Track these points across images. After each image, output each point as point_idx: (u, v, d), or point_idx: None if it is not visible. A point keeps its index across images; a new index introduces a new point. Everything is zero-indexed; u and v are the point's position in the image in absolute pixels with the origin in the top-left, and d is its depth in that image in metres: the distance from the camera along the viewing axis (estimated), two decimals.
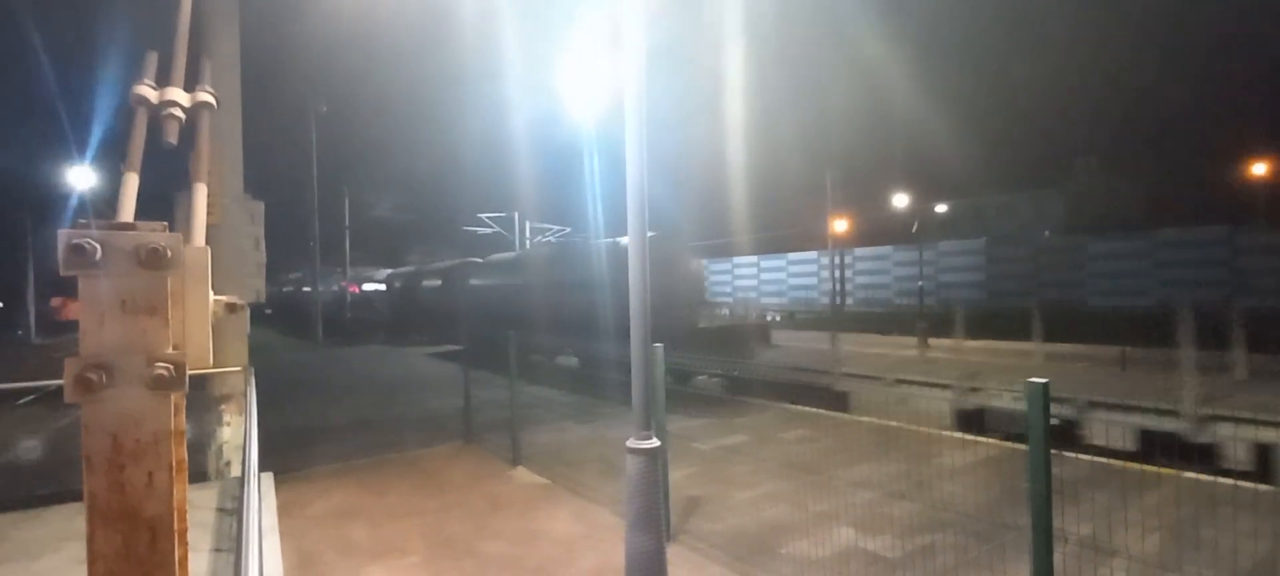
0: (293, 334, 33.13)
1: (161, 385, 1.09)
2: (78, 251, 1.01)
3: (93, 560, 1.08)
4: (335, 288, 36.32)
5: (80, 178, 28.86)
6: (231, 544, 4.77)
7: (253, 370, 5.97)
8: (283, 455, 7.81)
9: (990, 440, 7.64)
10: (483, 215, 34.85)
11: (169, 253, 1.10)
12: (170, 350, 1.13)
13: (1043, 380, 2.90)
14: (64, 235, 1.02)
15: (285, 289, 45.45)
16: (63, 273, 1.04)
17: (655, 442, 4.13)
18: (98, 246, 1.03)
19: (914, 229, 27.73)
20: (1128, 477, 5.77)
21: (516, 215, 34.66)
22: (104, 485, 1.08)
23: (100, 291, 1.06)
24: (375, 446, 8.80)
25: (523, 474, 7.25)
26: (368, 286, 36.89)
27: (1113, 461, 5.80)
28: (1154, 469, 5.97)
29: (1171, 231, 25.44)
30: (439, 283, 25.07)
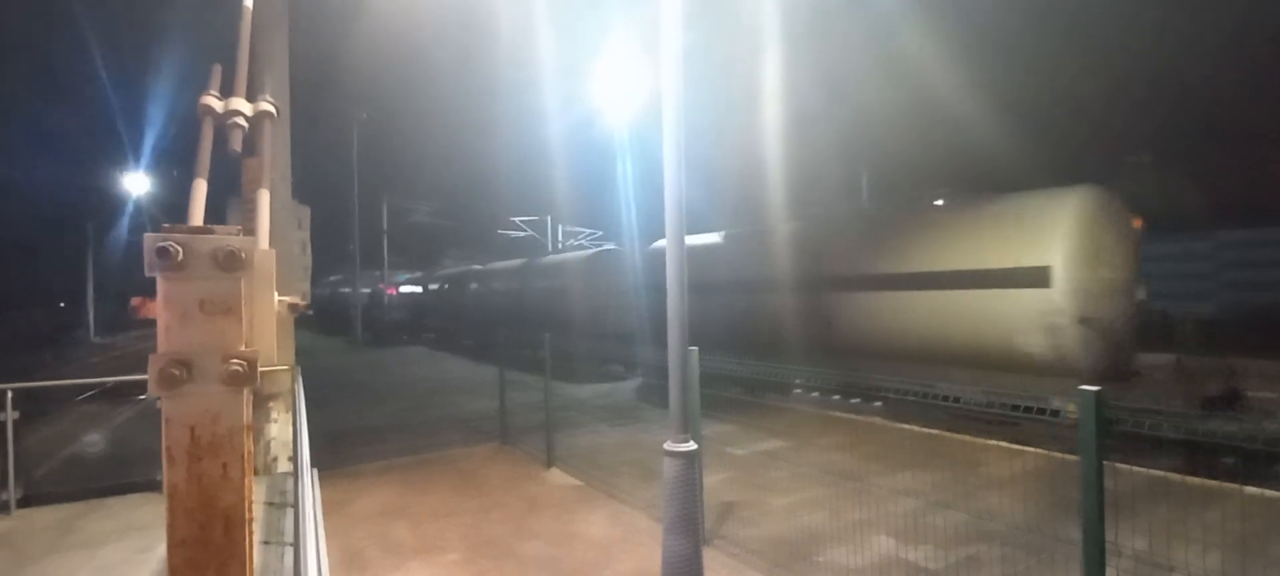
0: (334, 334, 34.07)
1: (236, 381, 1.14)
2: (163, 254, 1.07)
3: (172, 547, 1.14)
4: (370, 289, 37.19)
5: (136, 185, 30.30)
6: (279, 536, 4.94)
7: (299, 369, 6.17)
8: (324, 453, 8.04)
9: (1037, 450, 7.40)
10: (516, 219, 35.34)
11: (243, 255, 1.15)
12: (243, 348, 1.18)
13: (1094, 387, 2.81)
14: (150, 239, 1.08)
15: (339, 291, 46.39)
16: (148, 274, 1.10)
17: (692, 446, 4.13)
18: (181, 249, 1.09)
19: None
20: (1187, 492, 5.52)
21: (549, 219, 35.07)
22: (183, 476, 1.13)
23: (181, 292, 1.12)
24: (414, 447, 8.99)
25: (557, 475, 7.31)
26: (404, 288, 37.74)
27: (1170, 475, 5.56)
28: (1215, 482, 5.69)
29: (1236, 231, 24.21)
30: (560, 283, 18.17)
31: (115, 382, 11.01)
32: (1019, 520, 5.26)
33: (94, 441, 9.26)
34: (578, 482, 7.04)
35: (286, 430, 6.83)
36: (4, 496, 5.62)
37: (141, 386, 10.63)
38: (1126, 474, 5.35)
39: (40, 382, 9.57)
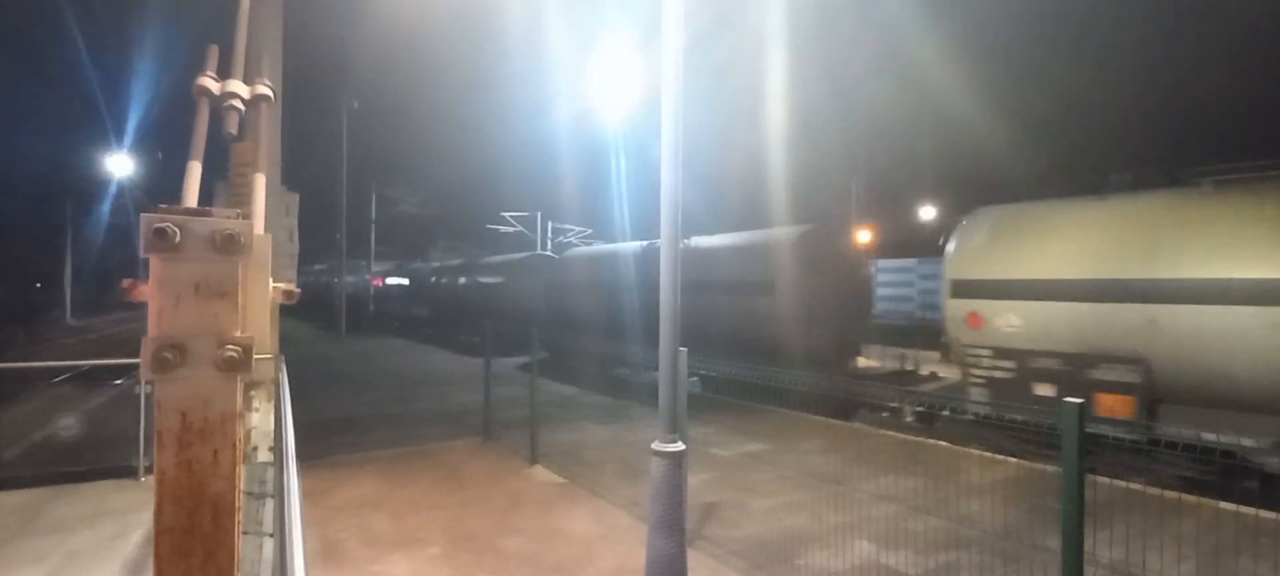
0: (319, 325, 33.67)
1: (230, 367, 1.12)
2: (160, 235, 1.05)
3: (159, 534, 1.12)
4: (353, 278, 36.76)
5: (118, 166, 29.74)
6: (257, 526, 4.87)
7: (283, 358, 6.08)
8: (304, 444, 7.93)
9: (1016, 459, 7.50)
10: (506, 213, 35.16)
11: (242, 239, 1.13)
12: (237, 333, 1.16)
13: (1078, 400, 2.86)
14: (147, 219, 1.06)
15: (329, 281, 45.17)
16: (144, 254, 1.07)
17: (680, 446, 4.14)
18: (179, 231, 1.06)
19: (941, 241, 27.11)
20: (1160, 504, 5.62)
21: (539, 215, 34.94)
22: (172, 462, 1.11)
23: (177, 274, 1.10)
24: (396, 439, 8.91)
25: (541, 472, 7.29)
26: (391, 280, 37.40)
27: (1148, 488, 5.66)
28: (1193, 498, 5.81)
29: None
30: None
31: (91, 366, 10.80)
32: (996, 527, 5.33)
33: (68, 425, 9.07)
34: (561, 480, 7.02)
35: (268, 420, 6.73)
36: None
37: (118, 370, 10.44)
38: (1104, 485, 5.45)
39: (15, 364, 9.34)
